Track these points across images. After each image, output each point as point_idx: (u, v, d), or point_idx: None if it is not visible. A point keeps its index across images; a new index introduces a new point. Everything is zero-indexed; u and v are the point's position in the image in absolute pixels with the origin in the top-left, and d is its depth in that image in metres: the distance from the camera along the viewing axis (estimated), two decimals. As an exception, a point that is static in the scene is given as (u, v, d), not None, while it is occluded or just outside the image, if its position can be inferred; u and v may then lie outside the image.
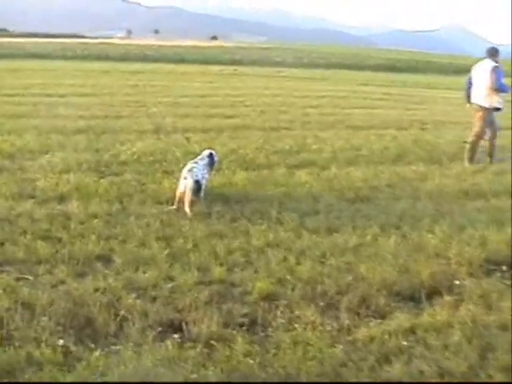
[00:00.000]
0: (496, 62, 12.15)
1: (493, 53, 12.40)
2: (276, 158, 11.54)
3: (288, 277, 6.10)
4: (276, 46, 72.63)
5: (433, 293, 5.95)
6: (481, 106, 12.22)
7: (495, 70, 11.97)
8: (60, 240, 6.80)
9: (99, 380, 4.15)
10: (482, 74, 12.20)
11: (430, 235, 7.50)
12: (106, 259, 6.40)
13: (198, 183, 8.19)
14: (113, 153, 11.28)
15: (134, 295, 5.50)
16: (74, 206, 7.96)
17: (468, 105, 12.73)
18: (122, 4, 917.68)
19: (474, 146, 12.30)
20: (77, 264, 6.17)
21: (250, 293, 5.76)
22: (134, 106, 18.32)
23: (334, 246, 7.05)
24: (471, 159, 12.20)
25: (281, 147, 12.60)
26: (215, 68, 38.43)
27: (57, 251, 6.45)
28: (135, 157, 11.02)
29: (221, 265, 6.34)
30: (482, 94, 12.15)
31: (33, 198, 8.38)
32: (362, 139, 14.09)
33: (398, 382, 4.44)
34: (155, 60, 43.69)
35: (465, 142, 12.69)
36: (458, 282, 6.19)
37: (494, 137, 12.47)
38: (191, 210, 7.94)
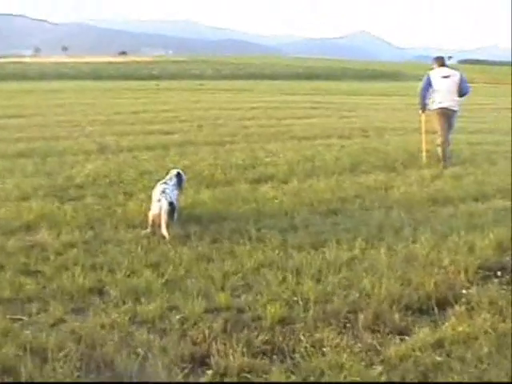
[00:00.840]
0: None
1: (443, 62, 13.42)
2: (233, 174, 11.34)
3: (295, 298, 5.86)
4: (191, 59, 72.11)
5: (442, 304, 5.88)
6: (452, 110, 12.92)
7: (463, 78, 12.98)
8: (43, 274, 6.34)
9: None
10: (449, 82, 12.89)
11: (416, 245, 7.42)
12: (100, 292, 6.01)
13: (172, 205, 7.91)
14: (65, 176, 10.82)
15: (144, 330, 5.13)
16: (45, 236, 7.50)
17: (421, 111, 13.36)
18: (28, 21, 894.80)
19: (445, 148, 12.91)
20: (70, 299, 5.77)
21: (262, 318, 5.51)
22: (68, 126, 17.71)
23: (326, 263, 6.87)
24: (445, 159, 12.81)
25: (234, 162, 12.40)
26: (135, 83, 37.78)
27: (44, 287, 6.01)
28: (90, 179, 10.61)
29: (222, 290, 6.05)
30: (452, 99, 12.88)
31: (-6, 229, 7.83)
32: (310, 150, 14.05)
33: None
34: (72, 77, 42.56)
35: (427, 150, 13.32)
36: (464, 291, 6.10)
37: (447, 141, 12.97)
38: (169, 233, 7.60)
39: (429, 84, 13.01)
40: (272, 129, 17.65)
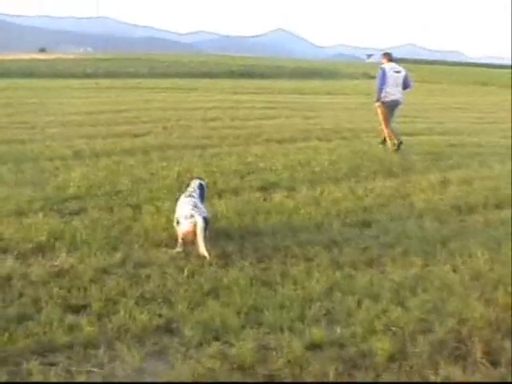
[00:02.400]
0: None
1: (391, 57, 14.75)
2: (235, 181, 10.53)
3: (393, 328, 5.21)
4: (119, 56, 70.12)
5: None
6: (400, 102, 14.41)
7: (407, 74, 14.43)
8: (91, 309, 5.42)
9: None
10: (399, 76, 14.24)
11: (472, 259, 7.00)
12: (169, 330, 5.17)
13: (205, 220, 7.06)
14: (54, 185, 9.80)
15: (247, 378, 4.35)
16: (67, 260, 6.57)
17: (378, 103, 14.29)
18: None
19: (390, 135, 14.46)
20: (139, 341, 4.90)
21: (368, 354, 4.81)
22: (25, 128, 16.36)
23: (395, 283, 6.29)
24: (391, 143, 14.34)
25: (228, 168, 11.59)
26: (74, 82, 36.10)
27: (101, 326, 5.08)
28: (83, 189, 9.61)
29: (301, 321, 5.40)
30: (400, 91, 14.29)
31: (3, 252, 6.81)
32: (298, 154, 13.43)
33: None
34: (3, 75, 40.31)
35: (382, 142, 14.79)
36: None
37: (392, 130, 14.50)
38: (209, 253, 6.79)
39: (384, 77, 14.00)
40: (243, 130, 16.86)
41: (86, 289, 5.85)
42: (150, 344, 4.88)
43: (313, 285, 6.19)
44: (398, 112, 14.73)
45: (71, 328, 5.02)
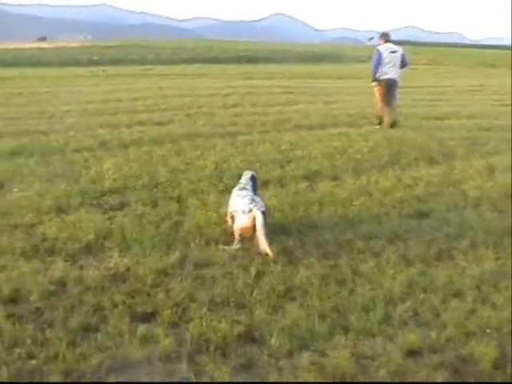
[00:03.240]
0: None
1: (388, 38, 15.07)
2: (276, 171, 10.06)
3: (488, 331, 4.85)
4: (123, 43, 69.23)
5: None
6: (397, 81, 14.77)
7: (405, 53, 14.85)
8: (163, 319, 4.96)
9: None
10: (396, 56, 14.67)
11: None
12: (252, 339, 4.73)
13: (264, 215, 6.58)
14: (88, 178, 9.33)
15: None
16: (122, 261, 6.09)
17: (374, 83, 14.85)
18: None
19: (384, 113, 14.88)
20: (224, 353, 4.46)
21: (471, 360, 4.46)
22: (42, 118, 15.87)
23: (475, 279, 5.94)
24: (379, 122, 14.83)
25: (263, 156, 11.17)
26: (83, 70, 35.49)
27: (177, 337, 4.61)
28: (120, 182, 9.12)
29: (386, 323, 5.01)
30: (396, 71, 14.70)
31: (50, 254, 6.34)
32: (332, 141, 12.92)
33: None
34: (9, 64, 39.79)
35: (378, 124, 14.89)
36: None
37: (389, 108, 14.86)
38: (271, 249, 6.31)
39: (380, 58, 14.51)
40: (269, 117, 16.35)
41: (149, 294, 5.41)
42: (234, 356, 4.42)
43: (390, 283, 5.73)
44: (398, 94, 15.17)
45: (144, 339, 4.56)
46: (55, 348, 4.38)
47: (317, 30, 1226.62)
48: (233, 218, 6.96)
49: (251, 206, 6.60)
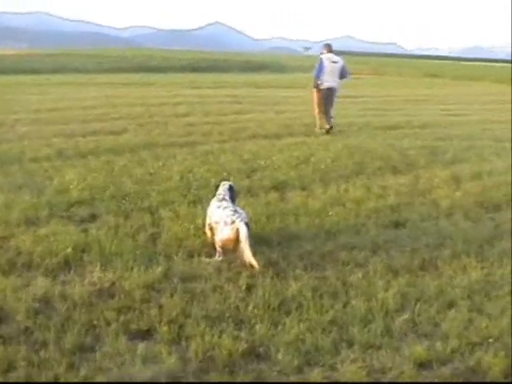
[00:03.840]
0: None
1: (330, 48, 15.89)
2: (244, 181, 9.97)
3: (490, 340, 4.84)
4: (61, 52, 67.69)
5: None
6: (335, 89, 15.75)
7: (345, 64, 15.79)
8: (161, 335, 4.80)
9: None
10: (336, 66, 15.63)
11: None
12: (258, 355, 4.58)
13: (248, 226, 6.46)
14: (53, 189, 8.99)
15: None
16: (102, 275, 5.89)
17: (314, 89, 15.80)
18: None
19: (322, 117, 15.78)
20: (232, 371, 4.31)
21: (479, 370, 4.47)
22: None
23: (464, 288, 6.02)
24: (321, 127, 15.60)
25: (227, 166, 11.09)
26: (27, 78, 34.57)
27: (181, 355, 4.44)
28: (86, 193, 8.84)
29: (388, 335, 4.91)
30: (336, 80, 15.70)
31: (28, 268, 6.11)
32: (292, 150, 12.90)
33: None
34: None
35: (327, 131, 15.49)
36: None
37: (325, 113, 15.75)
38: (257, 261, 6.19)
39: (321, 67, 15.42)
40: (223, 126, 16.21)
41: (140, 310, 5.19)
42: (243, 373, 4.27)
43: (382, 294, 5.67)
44: (334, 100, 15.85)
45: (146, 358, 4.36)
46: (54, 370, 4.13)
47: (253, 39, 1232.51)
48: (212, 229, 6.81)
49: (234, 217, 6.46)
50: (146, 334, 4.79)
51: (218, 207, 6.78)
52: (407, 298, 5.67)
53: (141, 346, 4.52)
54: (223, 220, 6.52)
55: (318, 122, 15.88)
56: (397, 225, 8.08)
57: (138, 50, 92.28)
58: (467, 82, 50.01)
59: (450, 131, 17.11)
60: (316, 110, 15.97)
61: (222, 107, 21.31)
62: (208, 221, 6.93)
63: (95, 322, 4.90)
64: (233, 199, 7.11)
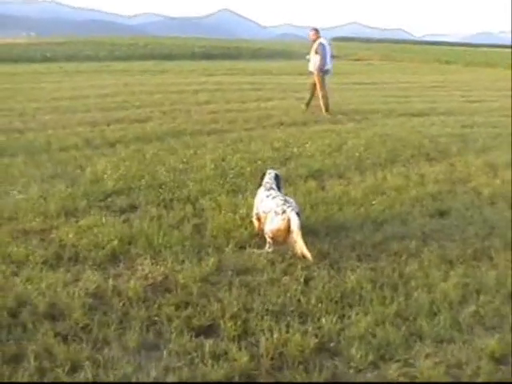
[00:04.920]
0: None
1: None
2: (278, 169, 9.69)
3: None
4: (70, 40, 67.40)
5: None
6: (331, 71, 16.57)
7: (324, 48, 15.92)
8: (218, 329, 4.58)
9: None
10: (331, 48, 16.43)
11: None
12: (328, 350, 4.42)
13: (299, 216, 6.26)
14: (88, 179, 8.82)
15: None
16: (153, 269, 5.73)
17: (321, 73, 16.11)
18: None
19: (327, 99, 16.32)
20: (307, 368, 4.11)
21: None
22: (12, 116, 15.14)
23: None
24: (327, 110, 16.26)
25: (259, 154, 10.92)
26: (39, 66, 34.39)
27: (251, 352, 4.26)
28: (122, 182, 8.68)
29: (458, 331, 4.73)
30: (331, 62, 16.40)
31: (75, 262, 5.91)
32: (322, 138, 12.70)
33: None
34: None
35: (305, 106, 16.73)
36: None
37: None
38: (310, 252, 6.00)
39: (325, 50, 15.91)
40: (248, 113, 16.05)
41: (200, 305, 4.99)
42: (317, 370, 4.12)
43: (442, 286, 5.47)
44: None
45: (215, 356, 4.17)
46: (123, 370, 3.95)
47: (261, 26, 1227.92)
48: (259, 219, 6.63)
49: (284, 207, 6.26)
50: (209, 330, 4.61)
51: (267, 196, 6.60)
52: (468, 290, 5.47)
53: (207, 343, 4.32)
54: (273, 210, 6.34)
55: (323, 106, 16.28)
56: (441, 214, 7.89)
57: (147, 38, 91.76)
58: (480, 68, 49.47)
59: (474, 118, 16.80)
60: (321, 94, 16.28)
61: (242, 94, 21.08)
62: (255, 210, 6.76)
63: (156, 319, 4.71)
64: (279, 188, 6.94)
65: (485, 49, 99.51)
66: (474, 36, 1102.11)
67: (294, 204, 6.37)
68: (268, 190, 6.73)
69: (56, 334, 4.41)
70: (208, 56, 52.32)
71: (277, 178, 7.04)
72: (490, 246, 6.65)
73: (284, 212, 6.24)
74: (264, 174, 7.13)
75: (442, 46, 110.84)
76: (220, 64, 41.20)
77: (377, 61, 53.39)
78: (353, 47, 72.49)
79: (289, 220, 6.18)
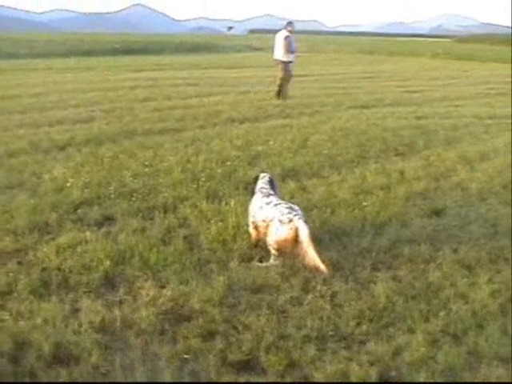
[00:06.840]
0: (290, 32, 17.62)
1: (287, 25, 17.84)
2: (253, 170, 9.22)
3: None
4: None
5: None
6: (282, 61, 17.40)
7: (287, 38, 17.23)
8: (258, 363, 4.01)
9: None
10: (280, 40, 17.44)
11: None
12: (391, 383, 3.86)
13: (307, 224, 5.75)
14: (49, 188, 8.09)
15: None
16: (155, 290, 5.11)
17: (291, 64, 17.53)
18: None
19: (283, 87, 17.65)
20: None
21: None
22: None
23: None
24: (279, 96, 17.57)
25: (224, 154, 10.41)
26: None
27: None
28: (87, 191, 8.00)
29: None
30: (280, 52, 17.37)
31: (66, 289, 5.20)
32: (282, 134, 12.28)
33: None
34: None
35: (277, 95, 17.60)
36: None
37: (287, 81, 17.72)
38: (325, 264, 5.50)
39: (292, 43, 17.31)
40: (194, 110, 15.44)
41: (231, 335, 4.41)
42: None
43: (477, 296, 5.07)
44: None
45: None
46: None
47: (175, 20, 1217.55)
48: (257, 228, 6.07)
49: (291, 215, 5.72)
50: (249, 365, 4.01)
51: (267, 204, 6.04)
52: (502, 298, 5.09)
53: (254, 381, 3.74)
54: (277, 218, 5.78)
55: (284, 95, 17.54)
56: (437, 213, 7.56)
57: (65, 34, 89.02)
58: (404, 57, 50.25)
59: (423, 109, 16.73)
60: (286, 82, 17.61)
61: (179, 90, 20.44)
62: (251, 219, 6.20)
63: (184, 356, 4.08)
64: (275, 193, 6.40)
65: (401, 38, 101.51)
66: (387, 25, 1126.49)
67: (299, 211, 5.84)
68: (267, 196, 6.20)
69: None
70: (129, 51, 51.07)
71: (271, 182, 6.51)
72: (502, 247, 6.30)
73: (291, 221, 5.69)
74: (256, 178, 6.56)
75: (359, 37, 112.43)
76: (143, 59, 40.14)
77: (304, 52, 53.39)
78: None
79: (296, 229, 5.66)
